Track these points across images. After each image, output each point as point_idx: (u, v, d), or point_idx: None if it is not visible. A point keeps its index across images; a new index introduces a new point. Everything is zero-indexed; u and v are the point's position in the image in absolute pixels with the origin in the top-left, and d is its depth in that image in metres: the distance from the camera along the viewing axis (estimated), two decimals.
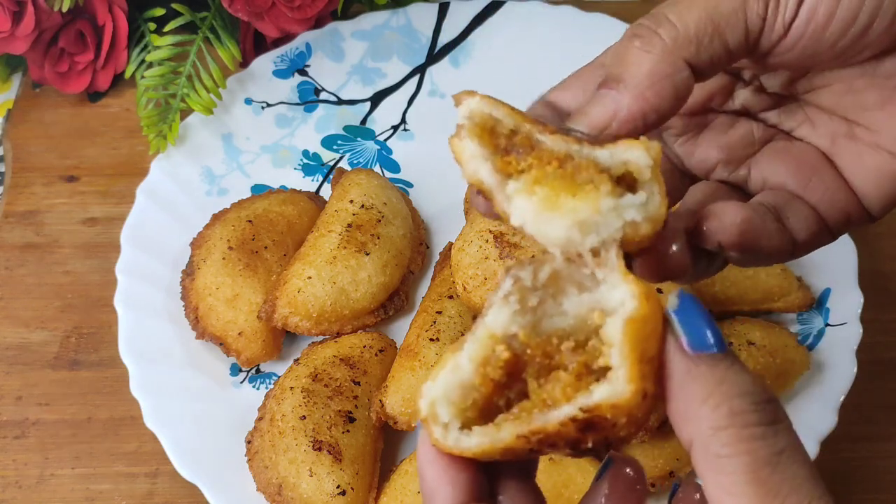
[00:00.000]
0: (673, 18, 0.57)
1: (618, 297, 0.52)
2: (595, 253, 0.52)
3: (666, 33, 0.56)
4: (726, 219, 0.59)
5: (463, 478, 0.54)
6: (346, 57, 1.35)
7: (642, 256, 0.58)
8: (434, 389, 0.53)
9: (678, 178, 0.70)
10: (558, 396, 0.51)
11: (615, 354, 0.50)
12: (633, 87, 0.56)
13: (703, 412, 0.49)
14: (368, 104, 1.34)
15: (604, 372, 0.51)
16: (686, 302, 0.53)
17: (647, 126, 0.56)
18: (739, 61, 0.62)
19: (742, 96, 0.68)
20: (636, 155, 0.52)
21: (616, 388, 0.49)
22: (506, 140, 0.55)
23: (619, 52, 0.57)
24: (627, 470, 0.56)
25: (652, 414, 0.52)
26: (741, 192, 0.69)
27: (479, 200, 0.58)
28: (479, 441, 0.52)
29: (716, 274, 0.66)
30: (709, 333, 0.52)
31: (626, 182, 0.53)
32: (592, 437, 0.51)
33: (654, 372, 0.51)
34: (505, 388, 0.54)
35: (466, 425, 0.53)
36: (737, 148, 0.67)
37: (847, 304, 1.09)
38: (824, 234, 0.64)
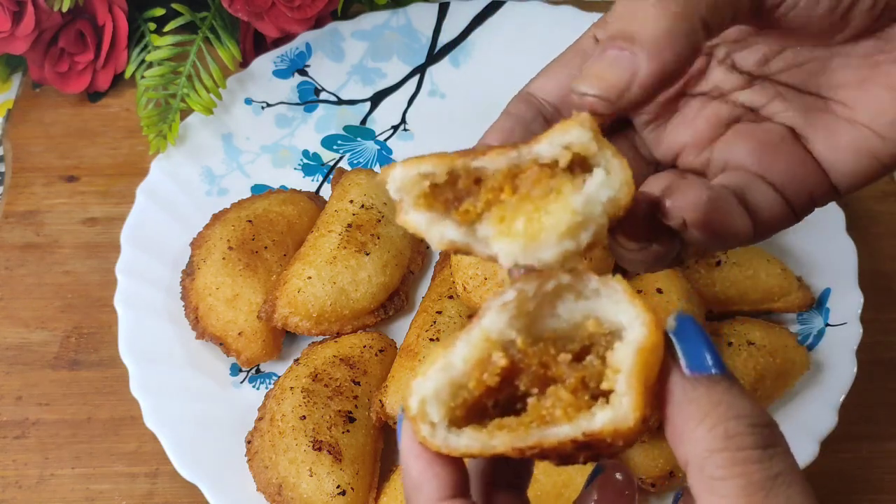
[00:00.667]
0: None
1: (626, 321, 0.52)
2: (590, 247, 0.52)
3: None
4: (691, 195, 0.58)
5: (447, 472, 0.54)
6: (346, 57, 1.35)
7: (623, 226, 0.57)
8: (424, 387, 0.53)
9: (643, 166, 0.68)
10: (558, 415, 0.51)
11: (622, 382, 0.50)
12: (650, 46, 0.53)
13: (699, 433, 0.49)
14: (368, 104, 1.34)
15: (602, 391, 0.51)
16: (684, 324, 0.53)
17: (661, 89, 0.54)
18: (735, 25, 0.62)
19: (715, 76, 0.66)
20: (574, 135, 0.51)
21: (619, 415, 0.49)
22: (450, 190, 0.53)
23: (628, 9, 0.54)
24: (617, 475, 0.56)
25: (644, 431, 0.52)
26: (703, 178, 0.67)
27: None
28: (469, 444, 0.52)
29: (685, 262, 0.66)
30: (707, 355, 0.52)
31: (578, 166, 0.52)
32: (585, 455, 0.51)
33: (653, 396, 0.51)
34: (496, 392, 0.53)
35: (454, 423, 0.53)
36: (703, 130, 0.66)
37: (847, 304, 1.09)
38: (787, 214, 0.63)
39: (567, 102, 0.64)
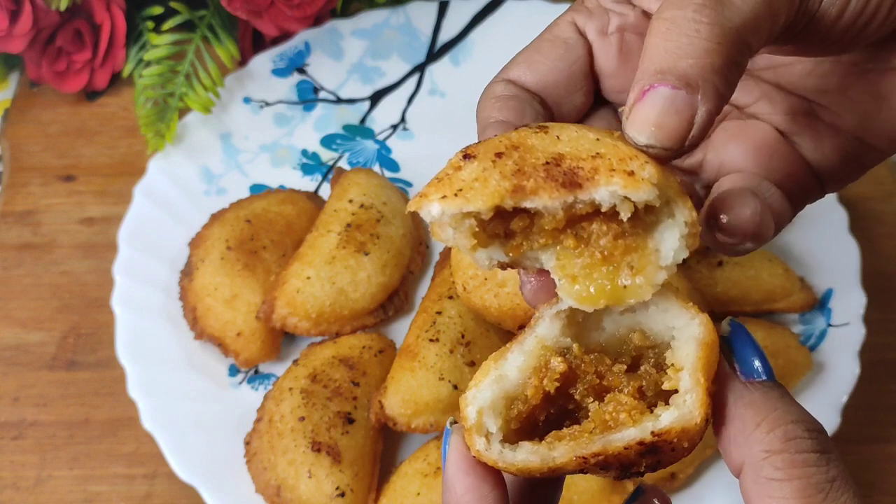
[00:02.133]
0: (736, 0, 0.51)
1: (680, 324, 0.51)
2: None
3: (732, 17, 0.50)
4: (748, 210, 0.57)
5: (495, 494, 0.52)
6: (346, 55, 1.35)
7: None
8: (481, 397, 0.52)
9: None
10: (623, 419, 0.50)
11: (686, 378, 0.50)
12: (707, 85, 0.49)
13: (757, 436, 0.49)
14: (368, 103, 1.33)
15: (662, 395, 0.51)
16: (737, 329, 0.53)
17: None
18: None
19: None
20: (643, 196, 0.48)
21: (685, 413, 0.49)
22: (501, 225, 0.51)
23: (669, 40, 0.50)
24: (655, 501, 0.56)
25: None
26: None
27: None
28: (527, 458, 0.51)
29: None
30: (758, 362, 0.52)
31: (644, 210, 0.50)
32: (648, 461, 0.51)
33: (712, 398, 0.51)
34: (550, 404, 0.53)
35: (506, 439, 0.52)
36: None
37: (850, 304, 1.08)
38: (789, 212, 0.63)
39: (552, 95, 0.61)
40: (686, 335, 0.51)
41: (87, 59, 1.35)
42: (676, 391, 0.50)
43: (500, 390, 0.52)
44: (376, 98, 1.33)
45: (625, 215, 0.49)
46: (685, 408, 0.49)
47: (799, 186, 0.63)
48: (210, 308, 1.09)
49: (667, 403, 0.50)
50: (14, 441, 1.10)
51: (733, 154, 0.63)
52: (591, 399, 0.52)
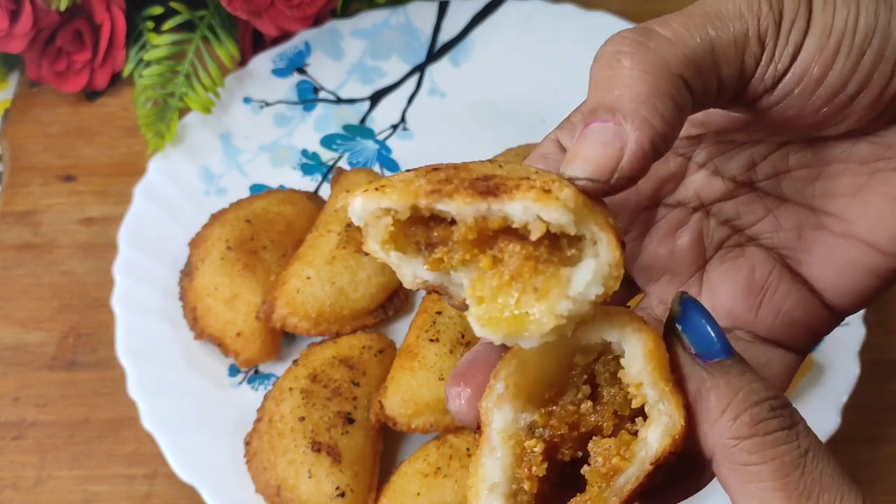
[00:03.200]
0: (666, 33, 0.50)
1: (615, 337, 0.50)
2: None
3: (659, 47, 0.49)
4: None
5: None
6: (346, 55, 1.35)
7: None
8: None
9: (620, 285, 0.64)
10: (618, 464, 0.50)
11: (650, 391, 0.49)
12: (633, 113, 0.47)
13: (724, 423, 0.49)
14: (368, 103, 1.33)
15: (638, 413, 0.50)
16: (688, 308, 0.51)
17: (656, 157, 0.49)
18: (709, 117, 0.57)
19: (695, 182, 0.61)
20: (554, 216, 0.46)
21: (666, 423, 0.49)
22: (422, 233, 0.49)
23: (605, 77, 0.49)
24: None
25: None
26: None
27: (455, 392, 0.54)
28: None
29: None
30: (715, 339, 0.51)
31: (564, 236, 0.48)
32: (659, 476, 0.50)
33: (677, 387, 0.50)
34: (547, 481, 0.52)
35: None
36: (686, 256, 0.61)
37: None
38: (791, 365, 0.60)
39: None
40: (629, 351, 0.50)
41: (87, 59, 1.35)
42: (647, 404, 0.49)
43: (499, 498, 0.51)
44: (376, 98, 1.33)
45: (535, 234, 0.46)
46: (664, 418, 0.49)
47: (801, 324, 0.59)
48: (210, 308, 1.09)
49: (644, 417, 0.50)
50: (14, 441, 1.10)
51: (724, 297, 0.60)
52: (581, 453, 0.51)
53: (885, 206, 0.56)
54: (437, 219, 0.49)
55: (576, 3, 1.36)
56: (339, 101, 1.33)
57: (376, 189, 0.48)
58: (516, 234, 0.48)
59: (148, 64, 1.31)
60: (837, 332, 1.06)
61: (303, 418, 1.00)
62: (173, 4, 1.29)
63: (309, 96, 1.32)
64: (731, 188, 0.61)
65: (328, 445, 0.98)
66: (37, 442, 1.09)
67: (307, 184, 1.26)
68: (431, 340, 1.03)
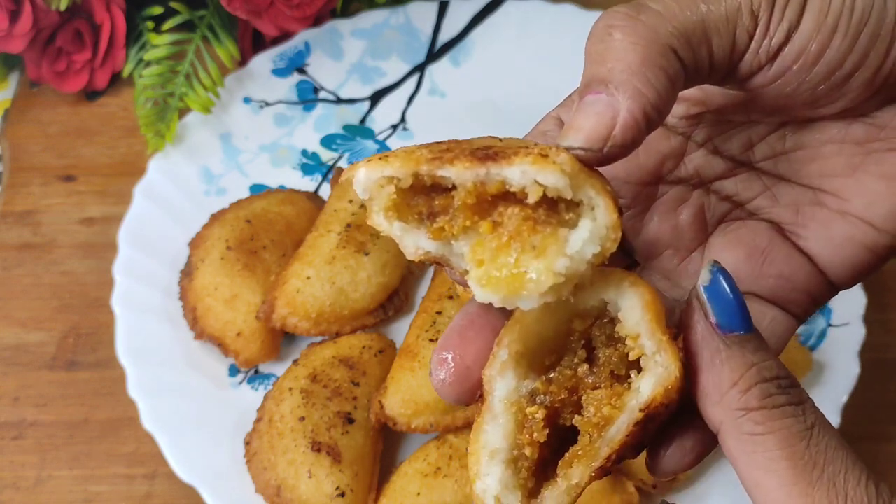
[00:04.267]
0: (657, 6, 0.51)
1: (613, 294, 0.51)
2: (573, 293, 0.50)
3: (649, 20, 0.50)
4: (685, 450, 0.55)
5: None
6: (346, 55, 1.35)
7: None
8: (491, 485, 0.51)
9: (619, 256, 0.62)
10: (609, 413, 0.50)
11: (647, 342, 0.50)
12: (625, 84, 0.49)
13: (733, 395, 0.50)
14: (368, 103, 1.33)
15: (633, 364, 0.51)
16: (718, 278, 0.52)
17: (650, 128, 0.50)
18: (710, 90, 0.58)
19: (695, 160, 0.62)
20: (550, 179, 0.47)
21: (661, 373, 0.49)
22: (424, 202, 0.51)
23: (597, 51, 0.51)
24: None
25: None
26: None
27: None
28: (558, 501, 0.51)
29: None
30: (738, 312, 0.52)
31: (562, 200, 0.49)
32: (652, 429, 0.51)
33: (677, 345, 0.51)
34: (547, 444, 0.52)
35: (531, 494, 0.52)
36: (688, 231, 0.62)
37: (850, 304, 1.08)
38: (789, 323, 0.60)
39: None
40: (625, 303, 0.51)
41: (87, 59, 1.35)
42: (644, 356, 0.50)
43: (501, 466, 0.51)
44: (376, 98, 1.33)
45: (532, 197, 0.48)
46: (659, 369, 0.49)
47: (799, 291, 0.60)
48: (210, 308, 1.09)
49: (639, 369, 0.51)
50: (14, 441, 1.10)
51: (727, 262, 0.60)
52: (579, 415, 0.52)
53: (880, 185, 0.57)
54: (439, 189, 0.50)
55: (576, 3, 1.36)
56: (339, 101, 1.33)
57: (380, 159, 0.49)
58: (515, 199, 0.49)
59: (148, 64, 1.31)
60: (837, 332, 1.07)
61: (303, 418, 1.00)
62: (173, 4, 1.29)
63: (309, 96, 1.32)
64: (731, 167, 0.62)
65: (328, 445, 0.98)
66: (37, 442, 1.09)
67: (307, 184, 1.26)
68: (431, 340, 1.03)
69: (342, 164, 1.28)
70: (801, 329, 1.09)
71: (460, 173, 0.48)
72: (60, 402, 1.12)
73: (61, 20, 1.32)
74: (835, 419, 1.01)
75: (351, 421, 1.01)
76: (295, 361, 1.08)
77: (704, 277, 0.52)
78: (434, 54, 1.36)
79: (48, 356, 1.16)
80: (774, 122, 0.60)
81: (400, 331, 1.13)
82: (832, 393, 1.03)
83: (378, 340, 1.09)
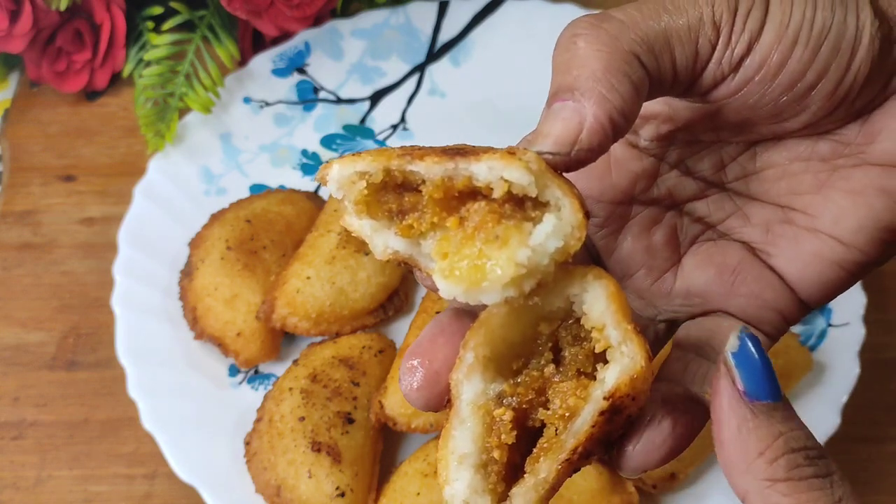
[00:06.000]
0: (620, 16, 0.52)
1: (578, 289, 0.51)
2: (535, 291, 0.50)
3: (612, 28, 0.52)
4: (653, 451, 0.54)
5: None
6: (346, 55, 1.35)
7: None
8: (459, 489, 0.51)
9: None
10: (574, 404, 0.50)
11: (613, 332, 0.50)
12: (590, 90, 0.50)
13: (759, 465, 0.49)
14: (368, 103, 1.33)
15: (600, 360, 0.51)
16: (746, 343, 0.52)
17: (616, 133, 0.51)
18: (668, 99, 0.59)
19: (668, 181, 0.63)
20: (515, 175, 0.48)
21: (627, 362, 0.49)
22: (394, 200, 0.51)
23: (563, 60, 0.52)
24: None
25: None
26: (664, 301, 0.64)
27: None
28: (526, 500, 0.51)
29: None
30: (767, 381, 0.51)
31: (529, 199, 0.50)
32: (619, 422, 0.51)
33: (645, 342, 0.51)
34: (517, 444, 0.52)
35: (501, 499, 0.52)
36: (661, 251, 0.63)
37: (850, 304, 1.08)
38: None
39: None
40: (590, 296, 0.51)
41: (87, 59, 1.35)
42: (610, 347, 0.50)
43: (469, 471, 0.51)
44: (376, 98, 1.33)
45: (497, 192, 0.48)
46: (626, 357, 0.49)
47: (767, 308, 0.61)
48: (210, 308, 1.09)
49: (606, 364, 0.51)
50: (14, 441, 1.10)
51: (699, 280, 0.62)
52: (545, 409, 0.52)
53: (847, 200, 0.58)
54: (409, 188, 0.51)
55: (576, 3, 1.36)
56: (339, 101, 1.33)
57: (352, 156, 0.51)
58: (483, 198, 0.50)
59: (148, 64, 1.31)
60: (837, 332, 1.07)
61: (303, 418, 1.00)
62: (173, 4, 1.29)
63: (309, 96, 1.32)
64: (703, 188, 0.63)
65: (328, 445, 0.98)
66: (37, 442, 1.09)
67: (307, 184, 1.26)
68: None
69: None
70: (801, 329, 1.09)
71: (429, 168, 0.49)
72: (60, 402, 1.12)
73: (61, 20, 1.32)
74: (835, 419, 1.01)
75: (351, 421, 1.01)
76: (295, 361, 1.08)
77: (733, 343, 0.52)
78: (434, 54, 1.36)
79: (48, 356, 1.16)
80: (744, 142, 0.61)
81: (400, 331, 1.13)
82: (832, 393, 1.03)
83: (378, 340, 1.09)
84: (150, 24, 1.34)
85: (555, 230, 0.48)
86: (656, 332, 0.63)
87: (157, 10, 1.35)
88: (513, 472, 0.52)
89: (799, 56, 0.54)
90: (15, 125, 1.36)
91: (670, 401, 0.54)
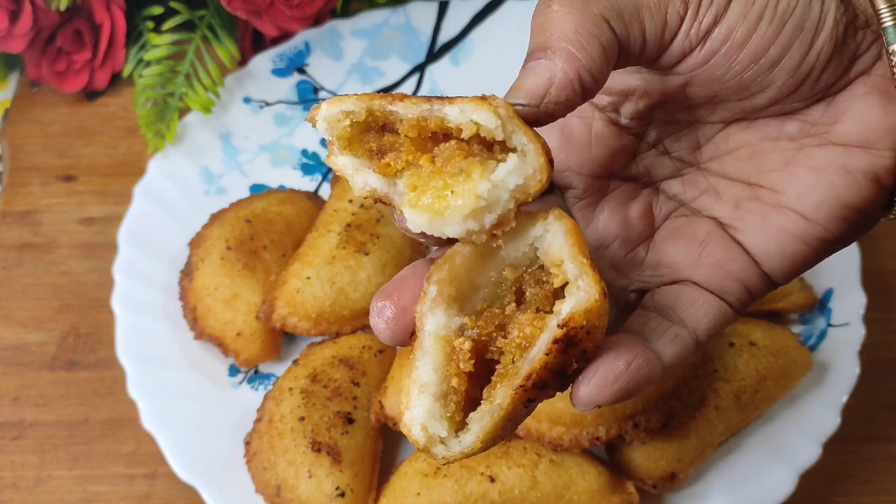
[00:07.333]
0: None
1: (540, 231, 0.54)
2: (497, 226, 0.53)
3: None
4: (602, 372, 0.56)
5: None
6: (346, 55, 1.35)
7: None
8: (417, 415, 0.53)
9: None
10: (530, 332, 0.52)
11: (570, 266, 0.52)
12: (561, 49, 0.54)
13: None
14: None
15: (559, 297, 0.53)
16: None
17: (585, 90, 0.55)
18: (642, 73, 0.62)
19: (646, 159, 0.67)
20: (482, 117, 0.51)
21: (582, 295, 0.51)
22: (375, 139, 0.55)
23: (539, 23, 0.56)
24: None
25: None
26: (636, 272, 0.66)
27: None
28: (481, 426, 0.53)
29: None
30: None
31: (498, 144, 0.53)
32: (574, 354, 0.52)
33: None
34: (477, 378, 0.54)
35: (459, 427, 0.54)
36: (636, 226, 0.66)
37: (850, 304, 1.08)
38: (725, 313, 0.63)
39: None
40: (550, 234, 0.53)
41: (87, 59, 1.35)
42: (568, 282, 0.52)
43: (429, 398, 0.53)
44: None
45: (466, 133, 0.52)
46: (581, 291, 0.51)
47: (732, 278, 0.63)
48: (210, 308, 1.09)
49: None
50: (14, 441, 1.10)
51: (669, 252, 0.65)
52: (504, 339, 0.54)
53: (811, 177, 0.61)
54: (389, 130, 0.55)
55: None
56: None
57: (338, 97, 0.55)
58: (455, 139, 0.53)
59: (148, 64, 1.31)
60: (837, 332, 1.07)
61: (303, 418, 1.00)
62: (173, 4, 1.29)
63: (309, 96, 1.32)
64: (679, 167, 0.67)
65: (328, 445, 0.98)
66: (37, 442, 1.10)
67: (307, 184, 1.26)
68: None
69: None
70: (801, 329, 1.09)
71: (407, 108, 0.53)
72: (60, 402, 1.12)
73: (61, 20, 1.32)
74: (835, 419, 1.01)
75: (351, 421, 1.01)
76: (295, 361, 1.08)
77: None
78: (434, 54, 1.36)
79: (48, 356, 1.16)
80: (718, 122, 0.64)
81: None
82: (832, 393, 1.03)
83: (378, 340, 1.09)
84: (150, 24, 1.34)
85: (516, 168, 0.51)
86: (627, 301, 0.66)
87: (157, 10, 1.35)
88: (472, 404, 0.54)
89: (763, 31, 0.57)
90: (15, 125, 1.36)
91: (626, 343, 0.56)
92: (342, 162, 0.55)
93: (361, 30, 1.36)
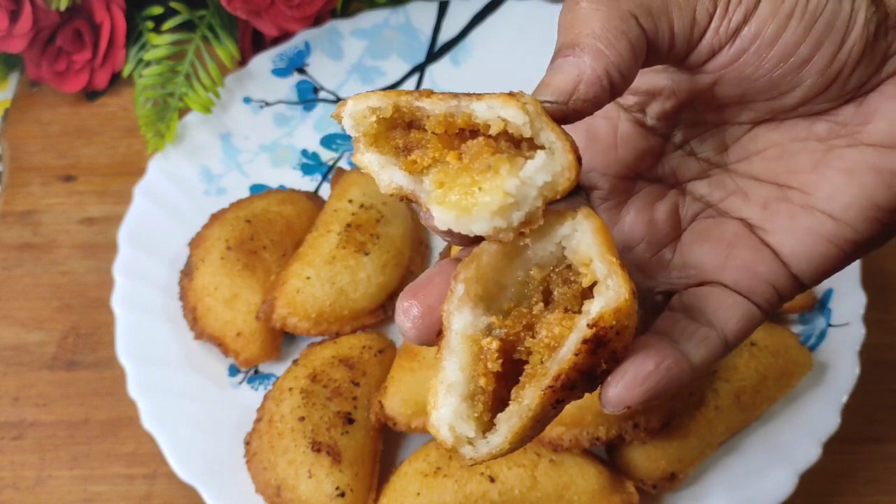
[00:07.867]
0: None
1: (568, 230, 0.53)
2: (524, 224, 0.52)
3: None
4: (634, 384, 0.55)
5: None
6: (346, 55, 1.35)
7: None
8: (445, 415, 0.53)
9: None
10: (559, 332, 0.52)
11: (599, 265, 0.52)
12: (590, 46, 0.54)
13: None
14: None
15: (588, 297, 0.52)
16: None
17: (613, 88, 0.54)
18: (670, 72, 0.61)
19: (672, 161, 0.66)
20: (511, 114, 0.51)
21: (612, 294, 0.51)
22: (401, 136, 0.54)
23: (567, 20, 0.56)
24: None
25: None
26: (663, 274, 0.66)
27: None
28: (510, 427, 0.52)
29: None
30: None
31: (526, 141, 0.52)
32: (604, 355, 0.52)
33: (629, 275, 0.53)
34: (504, 379, 0.54)
35: (486, 428, 0.53)
36: (662, 227, 0.65)
37: (850, 304, 1.08)
38: (754, 315, 0.62)
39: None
40: (578, 233, 0.53)
41: (87, 59, 1.35)
42: (597, 282, 0.52)
43: (456, 398, 0.53)
44: None
45: (493, 130, 0.51)
46: (610, 290, 0.51)
47: (760, 280, 0.62)
48: (210, 308, 1.09)
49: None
50: (14, 441, 1.10)
51: (696, 253, 0.64)
52: (532, 338, 0.54)
53: (840, 178, 0.61)
54: (416, 126, 0.54)
55: None
56: (339, 100, 1.32)
57: (365, 93, 0.54)
58: (483, 136, 0.53)
59: (148, 64, 1.31)
60: (837, 332, 1.07)
61: (303, 418, 1.00)
62: (173, 4, 1.29)
63: (309, 96, 1.32)
64: (705, 168, 0.66)
65: (328, 445, 0.98)
66: (37, 442, 1.09)
67: (307, 184, 1.26)
68: None
69: (342, 164, 1.28)
70: (801, 329, 1.09)
71: (434, 104, 0.53)
72: (60, 402, 1.12)
73: (61, 20, 1.32)
74: (835, 419, 1.01)
75: (351, 421, 1.01)
76: (295, 361, 1.08)
77: None
78: (434, 54, 1.36)
79: (48, 356, 1.16)
80: (746, 122, 0.64)
81: None
82: (832, 393, 1.03)
83: (378, 340, 1.09)
84: (150, 24, 1.34)
85: (545, 165, 0.51)
86: (654, 302, 0.65)
87: (157, 10, 1.35)
88: (500, 405, 0.54)
89: (794, 29, 0.56)
90: (15, 125, 1.36)
91: (655, 344, 0.56)
92: (368, 159, 0.54)
93: (361, 30, 1.36)
